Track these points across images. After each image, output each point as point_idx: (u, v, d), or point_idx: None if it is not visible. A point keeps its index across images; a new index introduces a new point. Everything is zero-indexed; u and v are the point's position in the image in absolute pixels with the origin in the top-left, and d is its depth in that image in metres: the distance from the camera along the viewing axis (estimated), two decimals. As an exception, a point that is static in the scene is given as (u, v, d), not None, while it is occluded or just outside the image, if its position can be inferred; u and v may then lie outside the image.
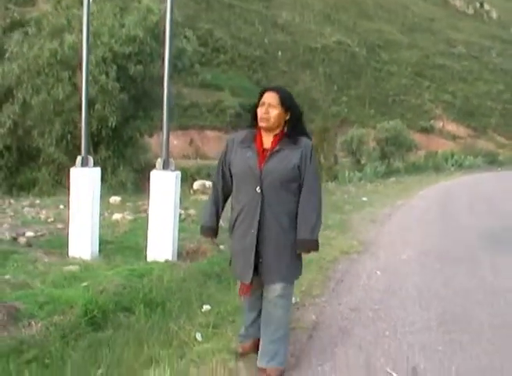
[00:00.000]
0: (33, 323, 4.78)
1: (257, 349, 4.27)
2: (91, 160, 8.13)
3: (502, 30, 79.64)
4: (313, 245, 4.12)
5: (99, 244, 8.03)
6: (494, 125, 54.72)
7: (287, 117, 4.13)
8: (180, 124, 30.45)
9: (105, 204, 11.94)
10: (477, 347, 4.82)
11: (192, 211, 11.80)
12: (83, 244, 7.77)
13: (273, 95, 4.08)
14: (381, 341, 4.94)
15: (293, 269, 4.22)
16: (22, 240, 8.51)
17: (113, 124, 17.86)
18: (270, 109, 4.05)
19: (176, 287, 6.14)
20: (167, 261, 7.27)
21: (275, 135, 4.11)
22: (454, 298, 6.39)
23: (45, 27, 19.19)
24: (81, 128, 17.74)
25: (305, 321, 5.41)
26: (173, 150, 22.29)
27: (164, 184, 7.53)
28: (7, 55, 19.48)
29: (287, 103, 4.11)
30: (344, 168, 28.78)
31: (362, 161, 30.92)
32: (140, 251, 7.92)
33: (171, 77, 7.89)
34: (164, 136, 7.77)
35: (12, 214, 11.71)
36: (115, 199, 13.88)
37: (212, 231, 4.40)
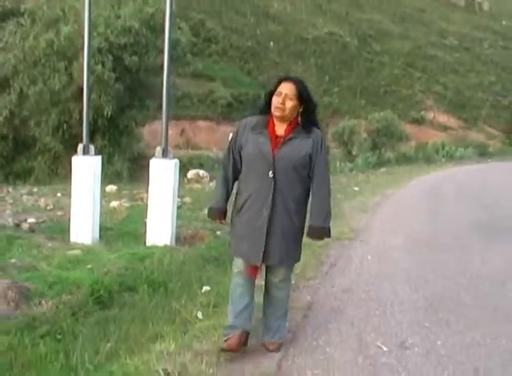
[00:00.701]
0: (43, 301, 5.08)
1: (243, 346, 4.33)
2: (92, 148, 8.36)
3: (494, 21, 79.77)
4: (326, 232, 4.31)
5: (99, 230, 8.31)
6: (485, 117, 54.90)
7: (301, 109, 4.23)
8: (172, 114, 30.51)
9: (102, 193, 12.17)
10: (462, 324, 5.14)
11: (187, 199, 12.07)
12: (84, 229, 8.03)
13: (291, 87, 4.15)
14: (372, 319, 5.24)
15: (297, 254, 4.40)
16: (25, 226, 8.75)
17: (109, 113, 18.12)
18: (286, 100, 4.13)
19: (176, 269, 6.43)
20: (166, 245, 7.53)
21: (289, 124, 4.21)
22: (441, 282, 6.68)
23: (40, 17, 19.34)
24: (76, 117, 17.97)
25: (300, 302, 5.69)
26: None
27: (163, 172, 7.78)
28: (1, 45, 19.66)
29: (304, 95, 4.19)
30: (336, 158, 28.99)
31: (354, 152, 31.13)
32: (139, 236, 8.20)
33: (169, 68, 8.13)
34: (164, 125, 8.01)
35: (11, 201, 11.95)
36: (111, 187, 14.13)
37: (221, 212, 4.42)
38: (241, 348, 4.29)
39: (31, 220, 9.21)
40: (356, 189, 17.35)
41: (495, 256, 8.23)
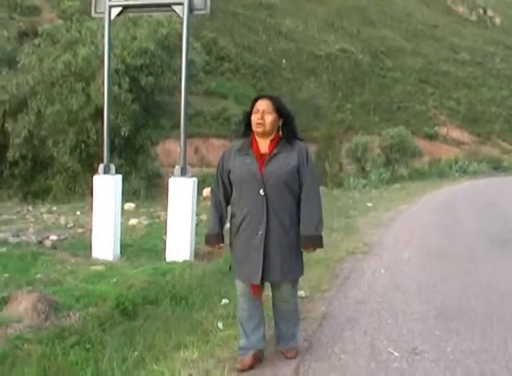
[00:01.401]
0: (71, 313, 5.36)
1: (258, 362, 4.45)
2: (113, 167, 8.68)
3: (506, 36, 79.99)
4: (318, 241, 4.32)
5: (120, 247, 8.60)
6: (498, 131, 54.93)
7: (280, 123, 4.33)
8: (185, 132, 30.76)
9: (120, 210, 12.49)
10: (471, 332, 5.35)
11: (203, 217, 12.31)
12: (106, 246, 8.34)
13: (267, 103, 4.28)
14: (384, 328, 5.47)
15: (299, 268, 4.44)
16: (47, 243, 9.09)
17: (126, 133, 18.43)
18: (265, 115, 4.24)
19: (197, 283, 6.69)
20: (185, 261, 7.82)
21: (272, 140, 4.30)
22: (452, 293, 6.88)
23: (58, 39, 19.78)
24: (93, 137, 18.31)
25: (315, 312, 5.93)
26: (178, 157, 22.65)
27: (182, 190, 8.08)
28: (19, 66, 20.13)
29: (281, 108, 4.32)
30: (349, 175, 29.19)
31: (367, 168, 31.32)
32: (159, 252, 8.50)
33: (186, 88, 8.43)
34: (182, 144, 8.31)
35: (32, 220, 12.30)
36: (129, 205, 14.44)
37: (218, 238, 4.47)
38: (256, 364, 4.44)
39: (53, 237, 9.54)
40: (370, 204, 17.58)
41: (506, 267, 8.41)
